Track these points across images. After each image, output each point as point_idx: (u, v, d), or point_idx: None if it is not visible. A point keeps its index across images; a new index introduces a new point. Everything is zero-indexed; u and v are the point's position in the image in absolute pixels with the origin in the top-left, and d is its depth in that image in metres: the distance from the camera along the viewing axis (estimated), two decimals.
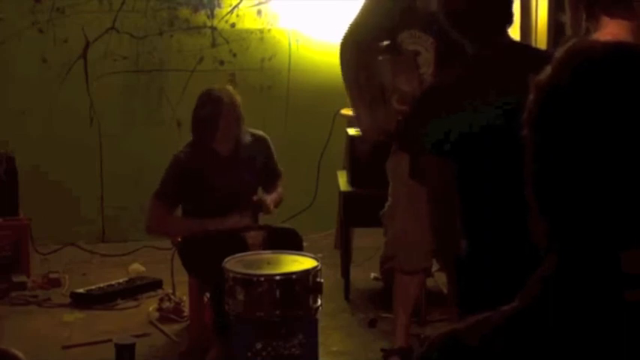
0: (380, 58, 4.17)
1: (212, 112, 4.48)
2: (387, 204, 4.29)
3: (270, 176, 4.75)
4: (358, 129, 4.66)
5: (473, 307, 2.71)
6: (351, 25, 4.23)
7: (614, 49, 1.10)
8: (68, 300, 5.20)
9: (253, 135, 4.67)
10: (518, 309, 1.12)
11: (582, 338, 1.06)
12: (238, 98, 4.56)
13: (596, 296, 1.07)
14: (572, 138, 1.07)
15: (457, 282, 2.86)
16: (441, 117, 2.78)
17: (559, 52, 1.11)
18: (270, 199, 4.65)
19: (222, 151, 4.54)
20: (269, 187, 4.75)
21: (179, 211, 4.61)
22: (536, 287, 1.12)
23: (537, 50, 3.60)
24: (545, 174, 1.10)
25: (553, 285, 1.10)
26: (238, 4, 6.41)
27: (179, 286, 4.98)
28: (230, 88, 4.75)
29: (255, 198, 4.59)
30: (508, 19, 2.88)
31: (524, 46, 3.17)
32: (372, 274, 5.53)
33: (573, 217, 1.08)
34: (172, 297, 5.03)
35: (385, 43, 4.14)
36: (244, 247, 4.31)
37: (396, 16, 4.07)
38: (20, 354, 1.41)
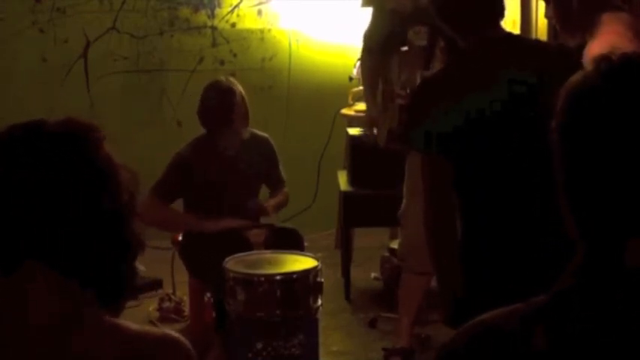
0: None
1: (226, 101, 4.46)
2: (403, 204, 4.28)
3: (274, 183, 4.73)
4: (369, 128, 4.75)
5: (474, 297, 2.71)
6: (363, 36, 4.46)
7: None
8: None
9: (256, 136, 4.65)
10: (555, 295, 1.13)
11: (619, 320, 1.08)
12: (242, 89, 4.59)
13: (623, 279, 1.10)
14: (601, 143, 1.08)
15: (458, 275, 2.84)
16: (430, 114, 2.74)
17: (594, 60, 1.12)
18: (270, 204, 4.63)
19: (226, 148, 4.51)
20: (273, 194, 4.74)
21: (180, 208, 4.60)
22: (569, 277, 1.13)
23: (536, 41, 3.55)
24: (574, 178, 1.12)
25: (583, 273, 1.12)
26: (239, 4, 6.41)
27: (179, 286, 4.97)
28: (233, 79, 4.74)
29: (253, 204, 4.57)
30: (500, 12, 2.81)
31: (520, 38, 3.09)
32: (373, 274, 5.53)
33: (600, 217, 1.10)
34: (172, 297, 5.02)
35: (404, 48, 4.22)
36: (247, 245, 4.30)
37: (405, 18, 4.14)
38: (184, 340, 1.39)
